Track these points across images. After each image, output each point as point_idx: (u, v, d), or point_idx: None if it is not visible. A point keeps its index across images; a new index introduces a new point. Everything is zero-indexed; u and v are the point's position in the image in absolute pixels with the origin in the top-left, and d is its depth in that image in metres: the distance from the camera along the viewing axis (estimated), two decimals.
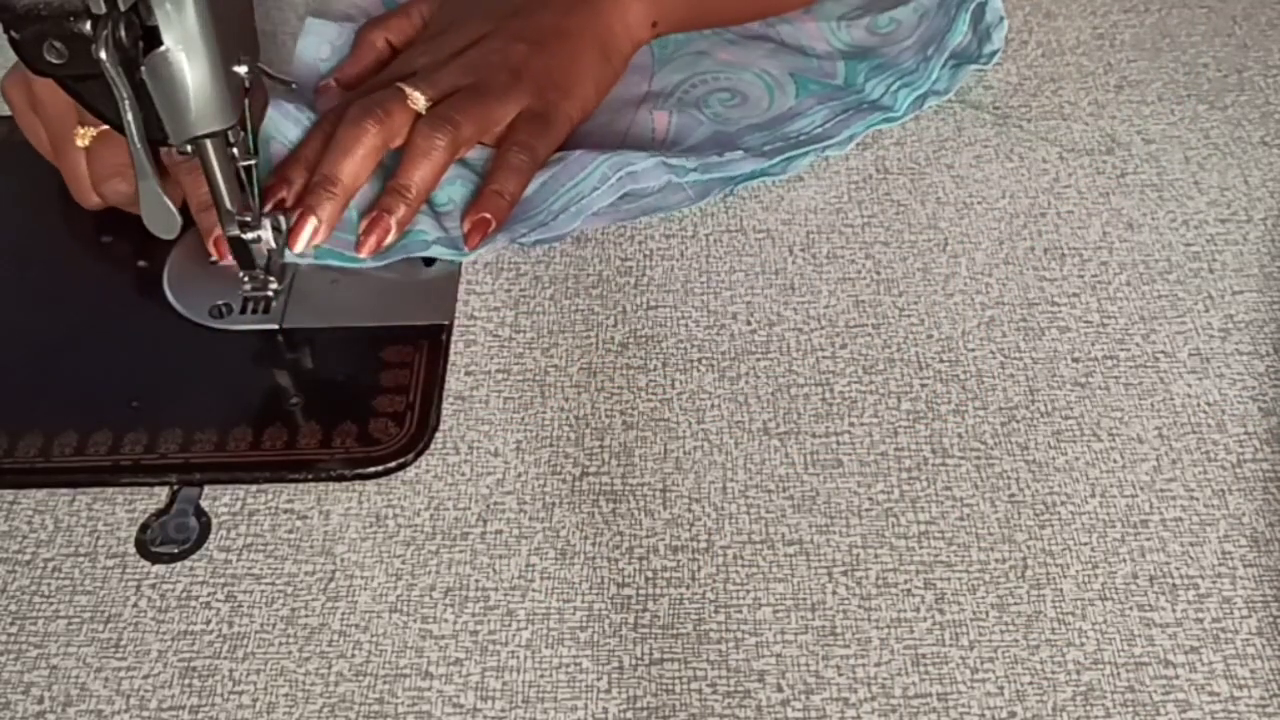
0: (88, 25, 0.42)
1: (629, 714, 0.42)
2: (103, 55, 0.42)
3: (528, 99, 0.57)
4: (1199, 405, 0.50)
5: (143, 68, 0.44)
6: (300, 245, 0.53)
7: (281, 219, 0.53)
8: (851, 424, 0.49)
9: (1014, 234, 0.56)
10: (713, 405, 0.50)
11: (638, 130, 0.60)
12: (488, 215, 0.54)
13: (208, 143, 0.47)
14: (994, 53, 0.62)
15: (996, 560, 0.45)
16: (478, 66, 0.57)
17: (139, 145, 0.45)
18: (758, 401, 0.50)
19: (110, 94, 0.43)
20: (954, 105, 0.61)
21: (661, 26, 0.63)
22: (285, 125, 0.56)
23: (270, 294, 0.53)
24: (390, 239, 0.54)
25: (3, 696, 0.43)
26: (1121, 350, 0.51)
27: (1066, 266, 0.55)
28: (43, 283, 0.55)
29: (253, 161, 0.50)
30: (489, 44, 0.58)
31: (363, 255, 0.54)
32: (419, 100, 0.55)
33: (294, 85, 0.57)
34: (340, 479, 0.48)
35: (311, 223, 0.53)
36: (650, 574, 0.45)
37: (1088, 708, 0.42)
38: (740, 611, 0.44)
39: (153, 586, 0.46)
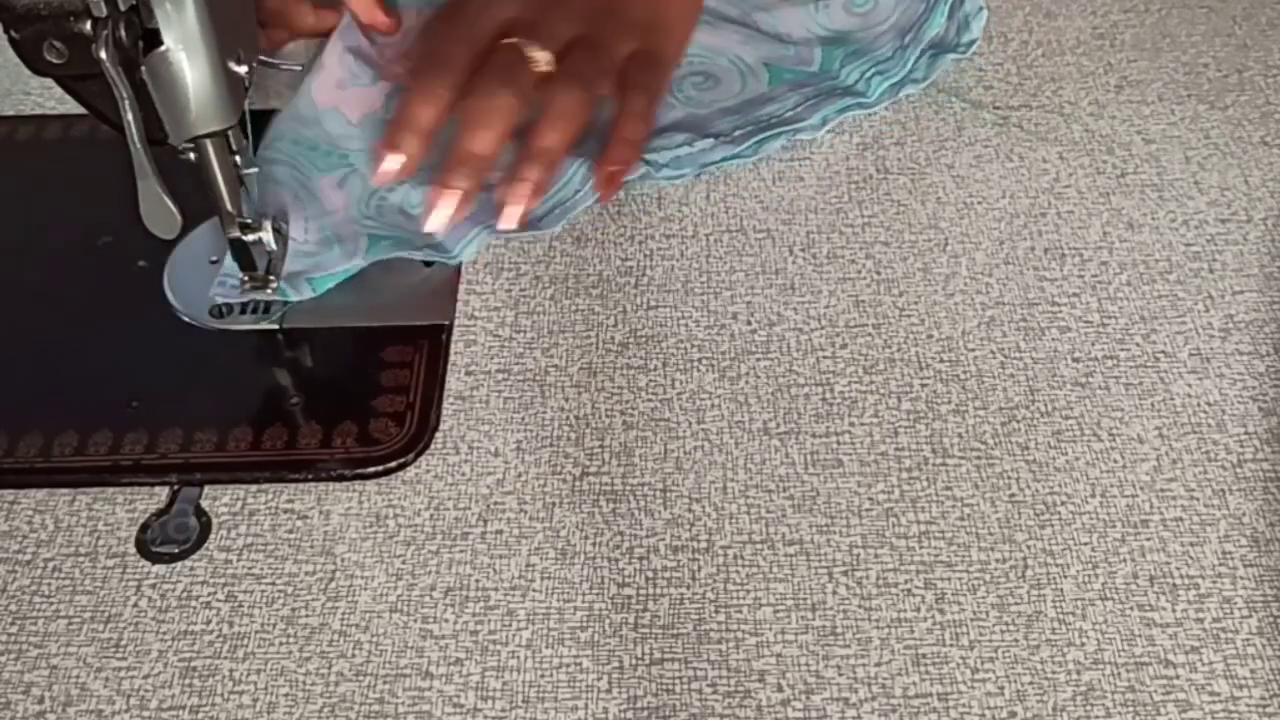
0: (88, 25, 0.42)
1: (629, 714, 0.42)
2: (103, 55, 0.42)
3: (636, 41, 0.56)
4: (1199, 405, 0.50)
5: (143, 68, 0.44)
6: (438, 224, 0.53)
7: (284, 224, 0.53)
8: (852, 424, 0.49)
9: (1014, 234, 0.56)
10: (713, 405, 0.50)
11: (610, 112, 0.60)
12: (620, 168, 0.54)
13: (208, 143, 0.47)
14: (972, 42, 0.62)
15: (997, 560, 0.45)
16: (582, 12, 0.56)
17: (139, 145, 0.45)
18: (758, 401, 0.50)
19: (110, 94, 0.43)
20: (954, 105, 0.61)
21: None
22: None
23: (270, 294, 0.53)
24: (534, 205, 0.54)
25: (3, 696, 0.43)
26: (1122, 350, 0.51)
27: (1066, 266, 0.55)
28: (43, 283, 0.55)
29: (254, 170, 0.50)
30: None
31: (504, 226, 0.53)
32: (543, 60, 0.53)
33: (300, 69, 0.57)
34: (340, 479, 0.48)
35: (449, 203, 0.52)
36: (650, 574, 0.45)
37: (1088, 708, 0.42)
38: (740, 611, 0.44)
39: (153, 586, 0.46)
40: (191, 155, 0.48)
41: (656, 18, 0.58)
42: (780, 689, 0.43)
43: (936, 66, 0.62)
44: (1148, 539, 0.46)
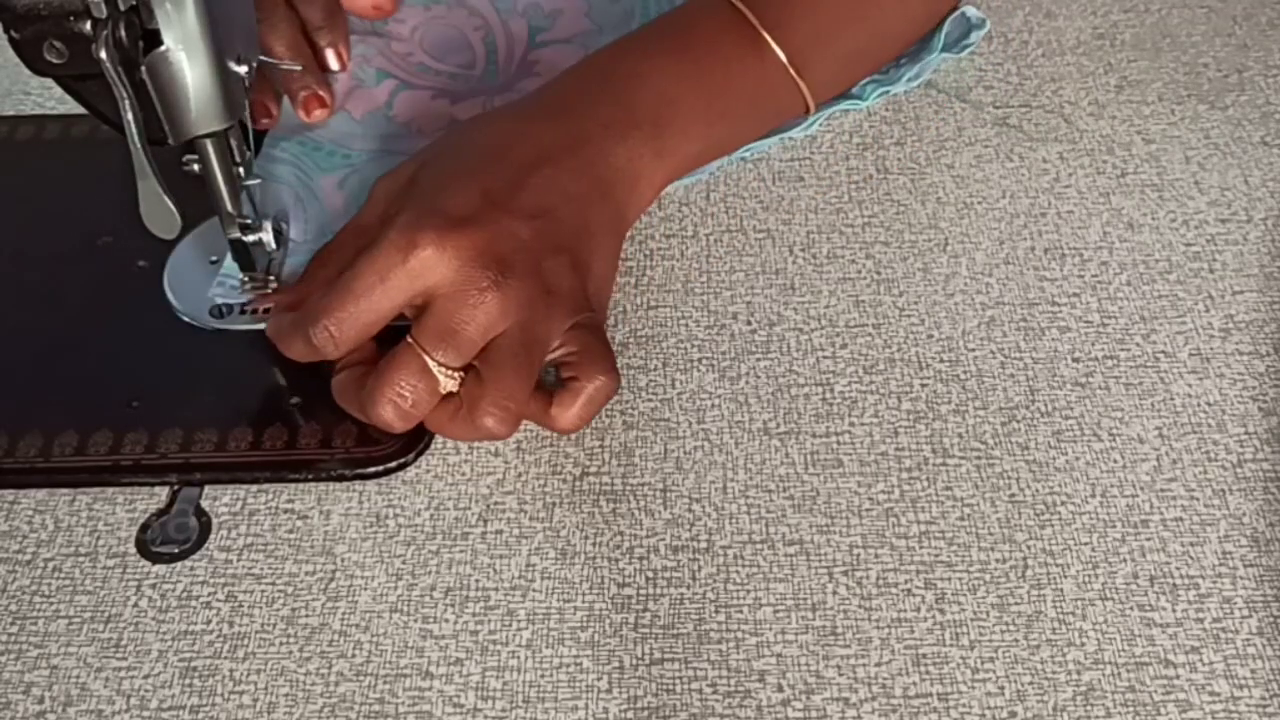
0: (88, 25, 0.42)
1: (629, 714, 0.42)
2: (103, 55, 0.42)
3: (572, 319, 0.49)
4: (1199, 405, 0.50)
5: (143, 67, 0.44)
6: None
7: (284, 224, 0.53)
8: (852, 424, 0.49)
9: (1014, 234, 0.56)
10: (713, 405, 0.50)
11: None
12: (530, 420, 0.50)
13: (207, 143, 0.47)
14: (967, 46, 0.63)
15: (997, 560, 0.45)
16: (517, 304, 0.47)
17: (139, 145, 0.45)
18: (758, 401, 0.50)
19: (110, 94, 0.43)
20: (954, 105, 0.61)
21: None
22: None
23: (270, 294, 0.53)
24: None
25: (3, 696, 0.43)
26: (1122, 350, 0.51)
27: (1066, 266, 0.55)
28: (43, 283, 0.55)
29: (256, 182, 0.50)
30: (522, 264, 0.48)
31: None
32: (450, 384, 0.47)
33: (300, 68, 0.57)
34: (340, 479, 0.48)
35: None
36: (650, 574, 0.45)
37: (1088, 708, 0.42)
38: (741, 611, 0.44)
39: (153, 586, 0.46)
40: (195, 167, 0.48)
41: (599, 286, 0.52)
42: (780, 689, 0.43)
43: (931, 64, 0.62)
44: (1148, 539, 0.46)
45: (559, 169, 0.51)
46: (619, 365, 0.51)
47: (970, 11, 0.62)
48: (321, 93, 0.59)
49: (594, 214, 0.52)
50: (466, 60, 0.63)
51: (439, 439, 0.50)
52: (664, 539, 0.46)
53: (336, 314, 0.47)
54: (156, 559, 0.46)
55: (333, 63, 0.61)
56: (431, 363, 0.47)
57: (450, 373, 0.47)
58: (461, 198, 0.49)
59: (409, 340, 0.47)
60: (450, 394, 0.48)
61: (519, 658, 0.43)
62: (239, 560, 0.46)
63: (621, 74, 0.55)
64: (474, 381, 0.47)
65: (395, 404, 0.46)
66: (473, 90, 0.62)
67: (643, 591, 0.45)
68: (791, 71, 0.57)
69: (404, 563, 0.46)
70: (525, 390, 0.47)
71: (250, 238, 0.51)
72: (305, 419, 0.50)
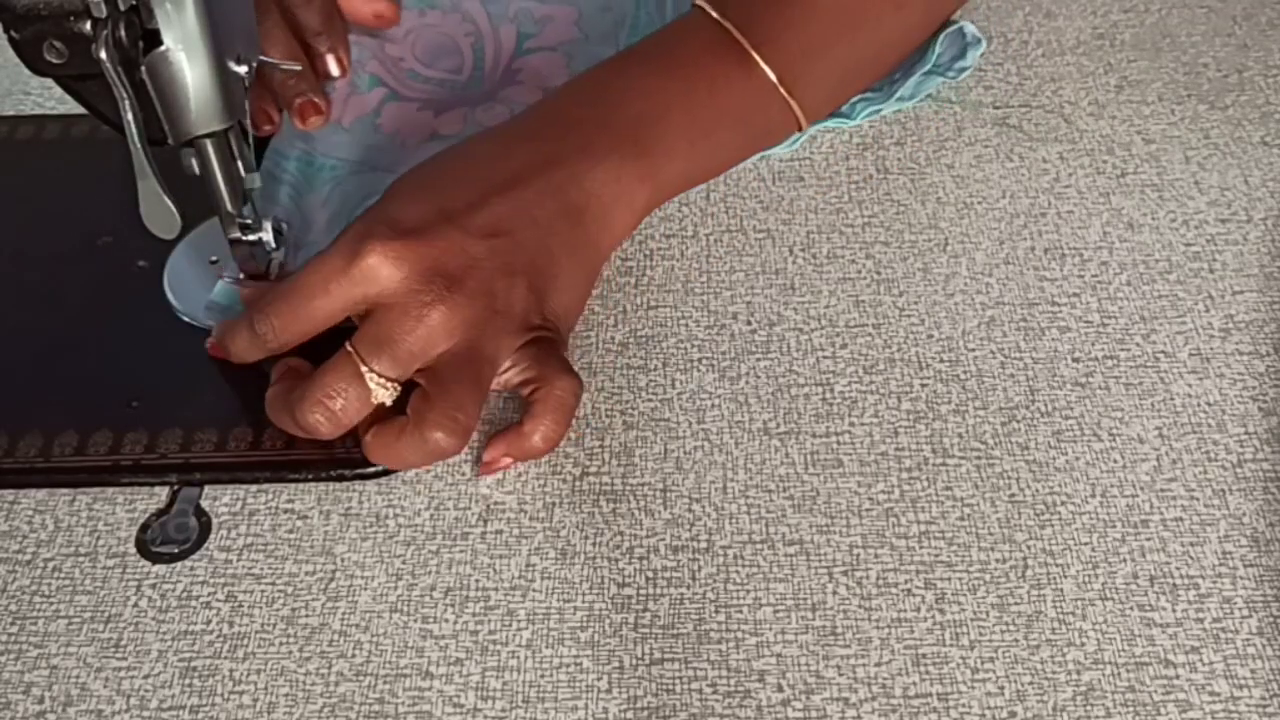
0: (88, 25, 0.42)
1: (629, 714, 0.42)
2: (103, 55, 0.42)
3: (524, 338, 0.49)
4: (1199, 405, 0.50)
5: (143, 67, 0.44)
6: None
7: (284, 225, 0.53)
8: (852, 424, 0.49)
9: (1014, 234, 0.56)
10: (713, 405, 0.50)
11: None
12: (511, 458, 0.49)
13: (207, 143, 0.47)
14: (964, 69, 0.62)
15: (997, 560, 0.45)
16: (463, 322, 0.47)
17: (139, 145, 0.45)
18: (758, 401, 0.50)
19: (110, 94, 0.43)
20: (954, 105, 0.61)
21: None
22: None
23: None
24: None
25: (3, 696, 0.43)
26: (1122, 350, 0.51)
27: (1066, 266, 0.55)
28: (43, 283, 0.55)
29: (256, 186, 0.50)
30: (473, 282, 0.48)
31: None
32: (383, 395, 0.47)
33: (300, 68, 0.57)
34: (340, 479, 0.48)
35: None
36: (650, 574, 0.45)
37: (1088, 708, 0.42)
38: (740, 611, 0.44)
39: (153, 586, 0.46)
40: (196, 169, 0.48)
41: (565, 305, 0.51)
42: (780, 689, 0.43)
43: (925, 87, 0.61)
44: (1148, 539, 0.46)
45: (526, 190, 0.50)
46: (619, 365, 0.51)
47: (968, 28, 0.61)
48: (317, 100, 0.59)
49: (560, 238, 0.51)
50: (454, 66, 0.63)
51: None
52: (664, 539, 0.46)
53: (279, 307, 0.48)
54: (156, 559, 0.46)
55: (333, 68, 0.61)
56: (366, 370, 0.46)
57: (384, 382, 0.47)
58: (415, 210, 0.48)
59: (347, 346, 0.47)
60: (385, 408, 0.47)
61: (519, 658, 0.44)
62: (239, 560, 0.46)
63: (602, 95, 0.55)
64: (420, 398, 0.47)
65: (324, 406, 0.46)
66: (455, 100, 0.62)
67: (643, 591, 0.45)
68: (782, 90, 0.56)
69: (404, 563, 0.46)
70: (474, 403, 0.47)
71: (250, 237, 0.51)
72: None
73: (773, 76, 0.55)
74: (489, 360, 0.48)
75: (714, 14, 0.56)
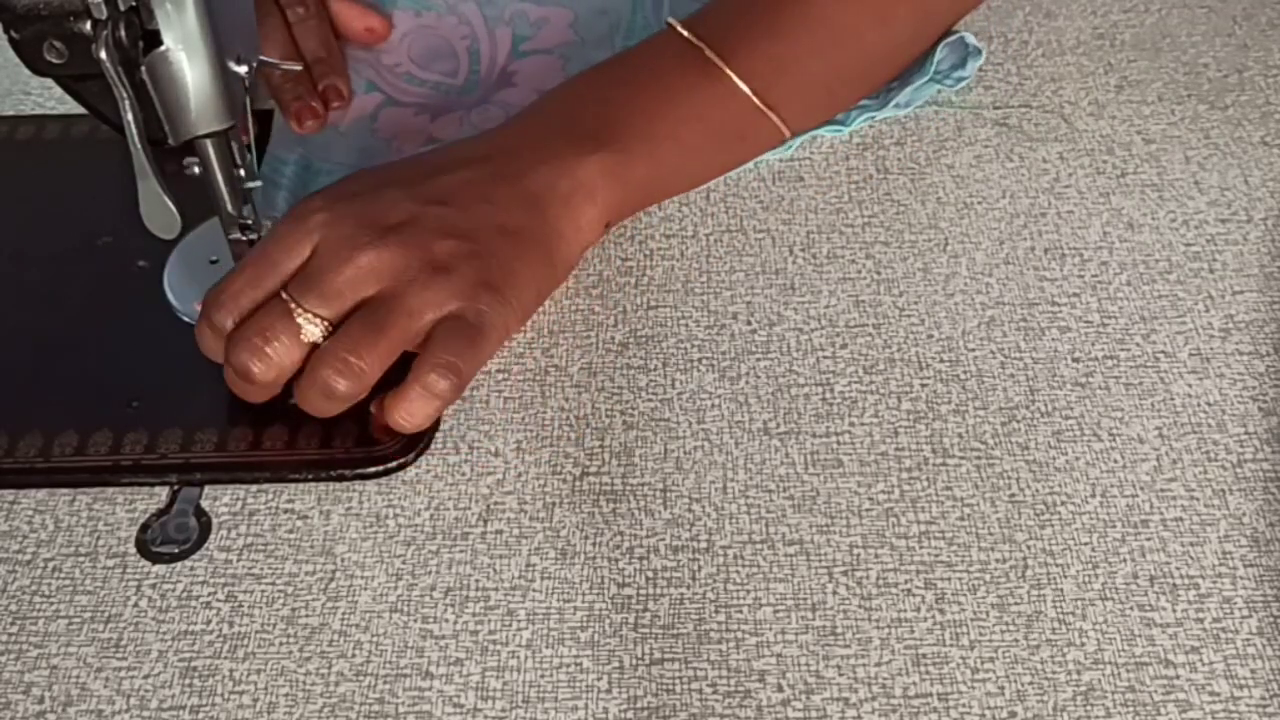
0: (88, 25, 0.42)
1: (629, 714, 0.42)
2: (103, 55, 0.42)
3: (456, 303, 0.48)
4: (1199, 405, 0.50)
5: (143, 68, 0.44)
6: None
7: None
8: (852, 424, 0.49)
9: (1014, 234, 0.56)
10: (713, 405, 0.50)
11: None
12: (390, 429, 0.48)
13: (208, 143, 0.47)
14: (962, 79, 0.61)
15: (997, 560, 0.45)
16: (391, 267, 0.48)
17: (139, 145, 0.45)
18: (758, 401, 0.50)
19: (110, 94, 0.43)
20: (954, 106, 0.61)
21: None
22: None
23: None
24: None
25: (3, 696, 0.43)
26: (1121, 350, 0.52)
27: (1066, 266, 0.55)
28: (43, 283, 0.55)
29: (256, 184, 0.50)
30: (408, 234, 0.48)
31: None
32: (313, 332, 0.47)
33: (300, 68, 0.58)
34: (340, 479, 0.48)
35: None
36: (650, 574, 0.46)
37: (1088, 708, 0.42)
38: (740, 611, 0.44)
39: (153, 586, 0.46)
40: (196, 169, 0.48)
41: (498, 280, 0.49)
42: (780, 689, 0.43)
43: (922, 95, 0.61)
44: (1148, 539, 0.46)
45: (480, 171, 0.51)
46: (619, 365, 0.51)
47: (969, 38, 0.60)
48: (314, 104, 0.60)
49: (514, 217, 0.51)
50: (450, 69, 0.64)
51: (439, 439, 0.50)
52: (664, 539, 0.46)
53: (236, 278, 0.48)
54: (156, 559, 0.46)
55: (334, 98, 0.61)
56: (296, 307, 0.47)
57: (312, 318, 0.47)
58: (362, 183, 0.50)
59: (281, 292, 0.47)
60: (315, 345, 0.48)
61: (519, 658, 0.44)
62: (239, 560, 0.46)
63: (566, 101, 0.55)
64: (328, 338, 0.47)
65: (254, 345, 0.46)
66: (451, 104, 0.62)
67: (643, 591, 0.45)
68: (756, 101, 0.55)
69: (404, 563, 0.46)
70: (374, 349, 0.46)
71: (250, 238, 0.51)
72: (305, 419, 0.50)
73: (744, 87, 0.55)
74: (409, 313, 0.47)
75: (684, 32, 0.56)
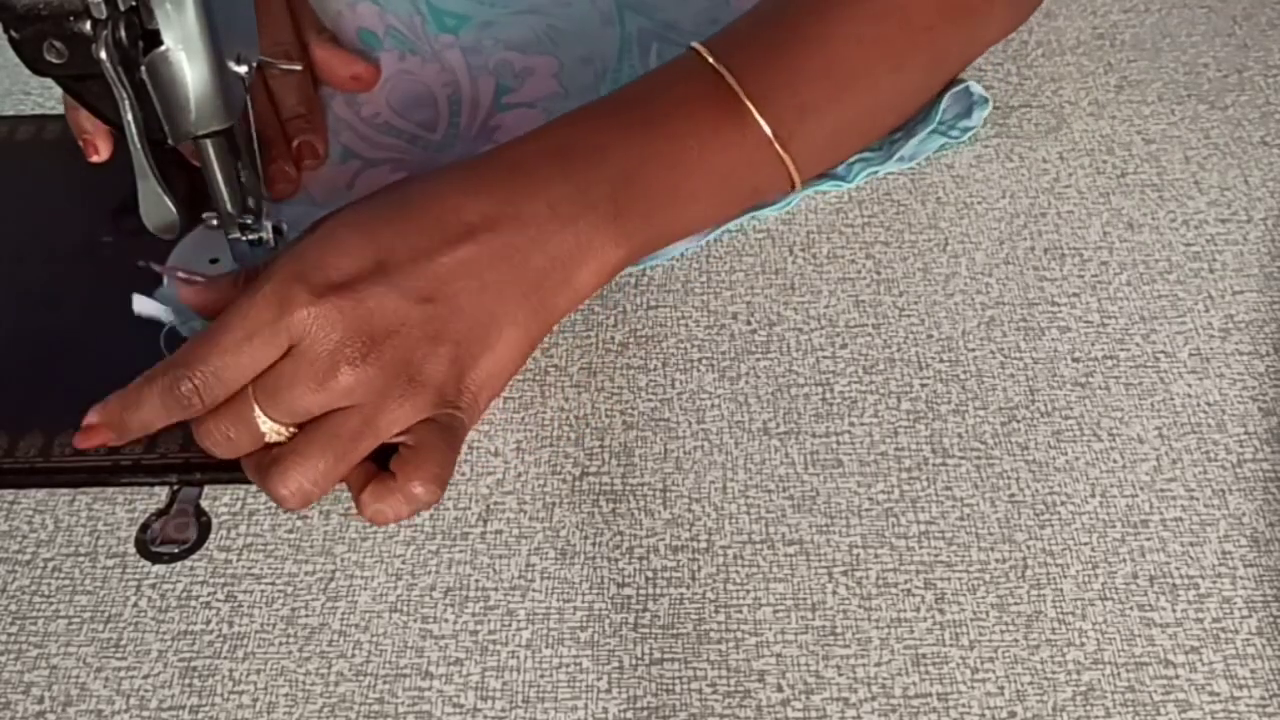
0: (88, 25, 0.42)
1: (629, 714, 0.42)
2: (103, 55, 0.42)
3: (429, 413, 0.46)
4: (1199, 405, 0.50)
5: (143, 67, 0.44)
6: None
7: (284, 225, 0.53)
8: (851, 424, 0.49)
9: (1014, 234, 0.56)
10: (713, 405, 0.50)
11: None
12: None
13: (208, 143, 0.47)
14: (968, 129, 0.59)
15: (996, 560, 0.45)
16: (369, 389, 0.45)
17: (139, 145, 0.45)
18: (758, 401, 0.50)
19: (110, 94, 0.43)
20: (952, 147, 0.61)
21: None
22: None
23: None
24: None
25: (3, 696, 0.43)
26: (1121, 350, 0.52)
27: (1066, 266, 0.55)
28: (43, 283, 0.55)
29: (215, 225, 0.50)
30: (391, 350, 0.46)
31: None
32: (276, 434, 0.46)
33: (300, 68, 0.57)
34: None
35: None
36: (650, 574, 0.46)
37: (1088, 708, 0.42)
38: (740, 611, 0.44)
39: (153, 586, 0.46)
40: (214, 223, 0.48)
41: (481, 377, 0.48)
42: (780, 689, 0.43)
43: (926, 148, 0.59)
44: (1148, 539, 0.46)
45: (481, 250, 0.47)
46: (619, 365, 0.51)
47: (974, 87, 0.59)
48: (287, 167, 0.58)
49: (508, 305, 0.48)
50: (428, 119, 0.61)
51: None
52: (664, 539, 0.46)
53: (200, 369, 0.45)
54: (156, 559, 0.46)
55: (310, 155, 0.59)
56: (259, 413, 0.45)
57: (278, 427, 0.46)
58: (351, 259, 0.46)
59: (248, 387, 0.46)
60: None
61: (519, 658, 0.44)
62: (239, 560, 0.46)
63: (580, 148, 0.50)
64: (291, 439, 0.46)
65: (216, 438, 0.46)
66: (429, 161, 0.60)
67: (642, 591, 0.45)
68: (776, 146, 0.52)
69: (404, 563, 0.46)
70: (327, 475, 0.45)
71: (251, 237, 0.51)
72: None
73: (768, 131, 0.52)
74: (377, 432, 0.46)
75: (710, 59, 0.52)
